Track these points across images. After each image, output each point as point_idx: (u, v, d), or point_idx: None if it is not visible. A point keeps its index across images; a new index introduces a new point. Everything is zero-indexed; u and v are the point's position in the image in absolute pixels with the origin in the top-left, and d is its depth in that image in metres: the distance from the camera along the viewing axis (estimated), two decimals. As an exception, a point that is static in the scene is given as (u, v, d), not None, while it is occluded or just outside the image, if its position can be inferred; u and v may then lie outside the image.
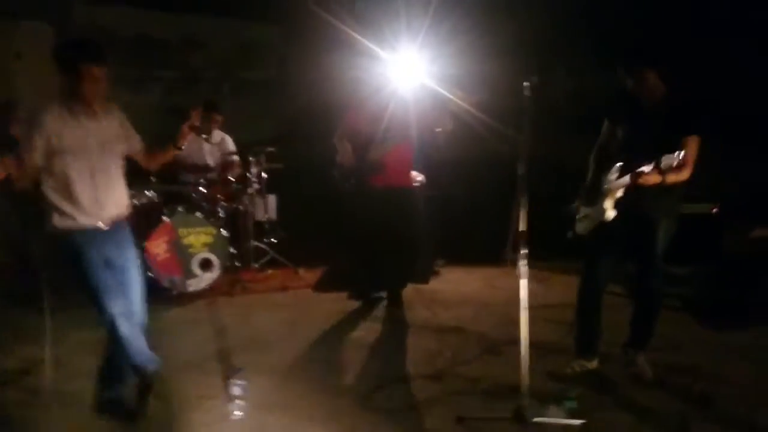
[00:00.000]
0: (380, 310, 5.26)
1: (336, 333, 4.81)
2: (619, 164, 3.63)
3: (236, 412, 3.50)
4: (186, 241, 5.78)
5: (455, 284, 6.01)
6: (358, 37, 5.51)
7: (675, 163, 3.19)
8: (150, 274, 5.66)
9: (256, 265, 6.45)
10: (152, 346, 3.53)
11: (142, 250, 5.65)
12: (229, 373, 3.54)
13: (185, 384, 3.88)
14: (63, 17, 8.47)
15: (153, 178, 6.15)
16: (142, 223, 5.88)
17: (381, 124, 4.98)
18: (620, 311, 4.07)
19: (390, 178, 5.04)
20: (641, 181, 3.36)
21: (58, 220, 3.26)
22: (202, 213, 5.91)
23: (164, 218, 5.75)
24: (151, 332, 4.79)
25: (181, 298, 5.66)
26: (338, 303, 5.48)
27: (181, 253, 5.75)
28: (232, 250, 6.04)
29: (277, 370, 4.12)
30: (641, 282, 3.82)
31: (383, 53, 5.03)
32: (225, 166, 6.61)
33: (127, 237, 3.51)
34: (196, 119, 3.42)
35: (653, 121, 3.56)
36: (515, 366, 4.02)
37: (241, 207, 6.40)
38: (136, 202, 5.96)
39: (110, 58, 3.25)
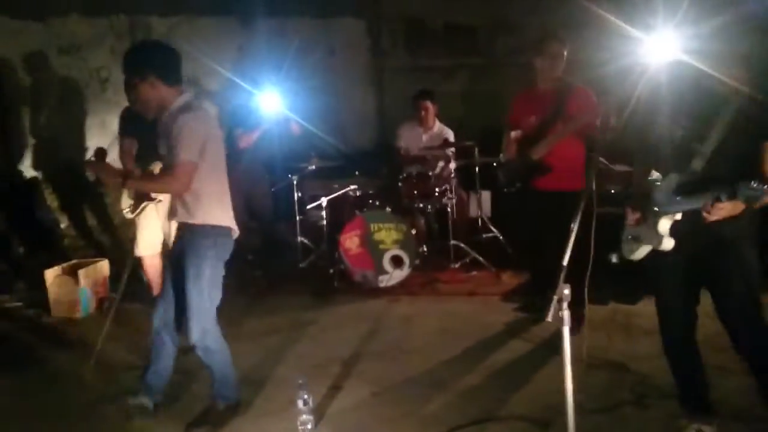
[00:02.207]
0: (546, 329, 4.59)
1: (477, 352, 4.33)
2: (674, 176, 2.70)
3: (306, 426, 3.35)
4: (377, 236, 5.76)
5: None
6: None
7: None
8: (342, 266, 5.80)
9: (456, 266, 6.13)
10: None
11: (336, 244, 5.81)
12: (297, 385, 3.39)
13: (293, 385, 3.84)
14: (372, 11, 9.04)
15: (357, 172, 6.26)
16: (341, 215, 6.06)
17: (546, 115, 4.32)
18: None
19: (559, 180, 4.33)
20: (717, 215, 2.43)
21: None
22: (395, 209, 5.81)
23: (357, 212, 5.80)
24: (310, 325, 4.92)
25: (371, 293, 5.66)
26: (511, 316, 4.94)
27: (372, 249, 5.75)
28: (423, 248, 5.83)
29: (387, 386, 3.88)
30: (738, 337, 2.78)
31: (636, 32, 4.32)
32: (436, 159, 6.41)
33: (189, 249, 3.37)
34: (99, 156, 3.90)
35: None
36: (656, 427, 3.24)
37: (442, 203, 6.12)
38: (337, 194, 6.19)
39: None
